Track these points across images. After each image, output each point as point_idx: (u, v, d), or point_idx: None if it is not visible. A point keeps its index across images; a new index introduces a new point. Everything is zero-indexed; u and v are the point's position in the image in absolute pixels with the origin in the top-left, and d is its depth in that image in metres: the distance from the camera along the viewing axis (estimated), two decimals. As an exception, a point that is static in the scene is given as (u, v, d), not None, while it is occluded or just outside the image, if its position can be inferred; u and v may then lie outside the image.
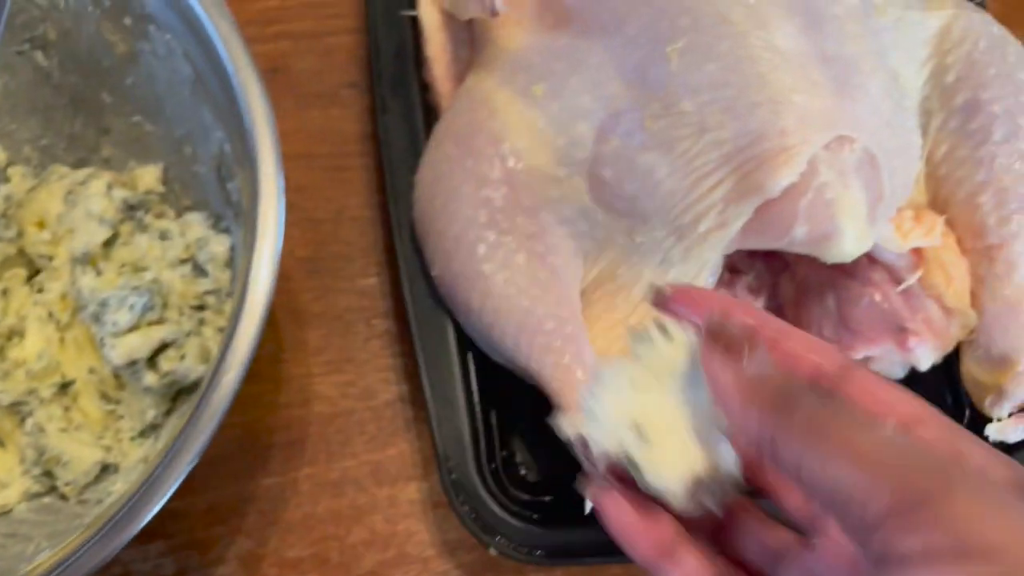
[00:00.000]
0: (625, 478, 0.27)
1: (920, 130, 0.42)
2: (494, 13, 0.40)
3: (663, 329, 0.27)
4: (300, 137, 0.52)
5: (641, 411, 0.27)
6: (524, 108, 0.41)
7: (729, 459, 0.26)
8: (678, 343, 0.27)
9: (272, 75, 0.52)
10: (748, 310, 0.29)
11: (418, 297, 0.43)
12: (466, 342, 0.43)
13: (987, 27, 0.43)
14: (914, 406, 0.26)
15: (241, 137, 0.34)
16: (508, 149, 0.40)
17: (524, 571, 0.47)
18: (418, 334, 0.43)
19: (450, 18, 0.46)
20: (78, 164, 0.46)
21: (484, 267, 0.40)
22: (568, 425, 0.28)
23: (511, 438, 0.47)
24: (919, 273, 0.40)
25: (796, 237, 0.36)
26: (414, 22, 0.47)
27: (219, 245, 0.44)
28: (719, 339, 0.25)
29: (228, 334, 0.32)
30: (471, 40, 0.46)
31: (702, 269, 0.39)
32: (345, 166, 0.51)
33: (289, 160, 0.51)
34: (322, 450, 0.47)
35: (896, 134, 0.39)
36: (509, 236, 0.40)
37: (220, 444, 0.47)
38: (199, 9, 0.36)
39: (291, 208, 0.50)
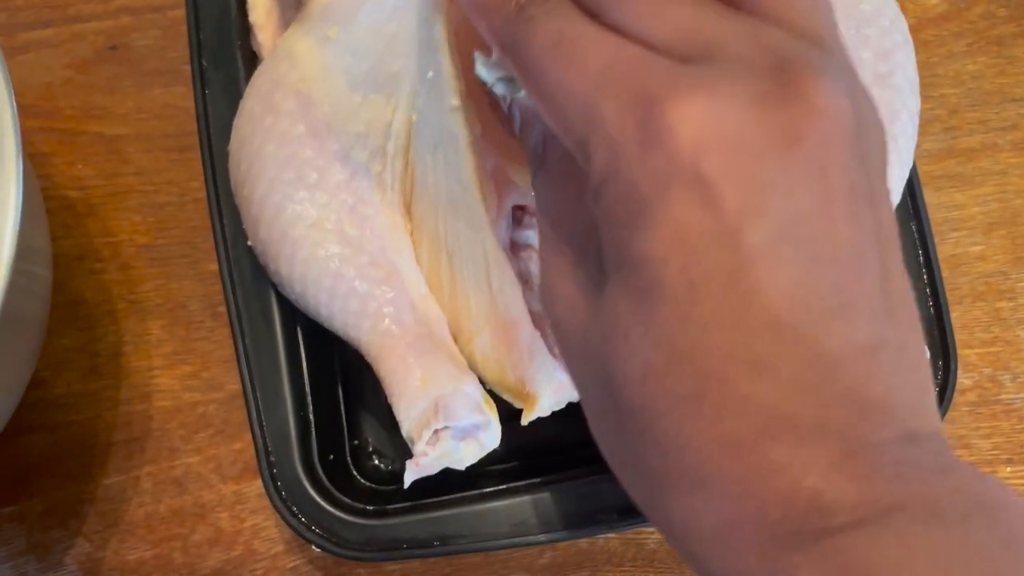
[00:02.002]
0: None
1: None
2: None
3: None
4: (142, 117, 0.49)
5: None
6: (321, 54, 0.38)
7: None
8: None
9: (112, 52, 0.50)
10: None
11: (238, 283, 0.40)
12: (295, 326, 0.41)
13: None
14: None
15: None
16: (309, 98, 0.37)
17: (380, 567, 0.44)
18: (238, 324, 0.40)
19: (275, -19, 0.43)
20: None
21: (291, 231, 0.37)
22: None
23: (363, 425, 0.44)
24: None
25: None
26: (237, -12, 0.44)
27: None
28: None
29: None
30: (298, 3, 0.43)
31: None
32: (188, 146, 0.48)
33: (129, 142, 0.49)
34: (164, 446, 0.45)
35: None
36: (319, 191, 0.37)
37: (56, 444, 0.45)
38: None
39: (131, 193, 0.48)
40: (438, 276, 0.37)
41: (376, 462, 0.44)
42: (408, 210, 0.38)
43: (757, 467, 0.20)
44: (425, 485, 0.38)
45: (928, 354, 0.25)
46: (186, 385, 0.46)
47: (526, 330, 0.35)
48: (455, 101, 0.33)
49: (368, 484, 0.43)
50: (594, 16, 0.23)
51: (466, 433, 0.36)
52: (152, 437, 0.45)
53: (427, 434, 0.35)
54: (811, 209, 0.21)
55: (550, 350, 0.35)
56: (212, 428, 0.45)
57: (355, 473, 0.43)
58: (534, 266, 0.38)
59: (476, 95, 0.34)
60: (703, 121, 0.21)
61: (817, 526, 0.20)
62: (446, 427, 0.35)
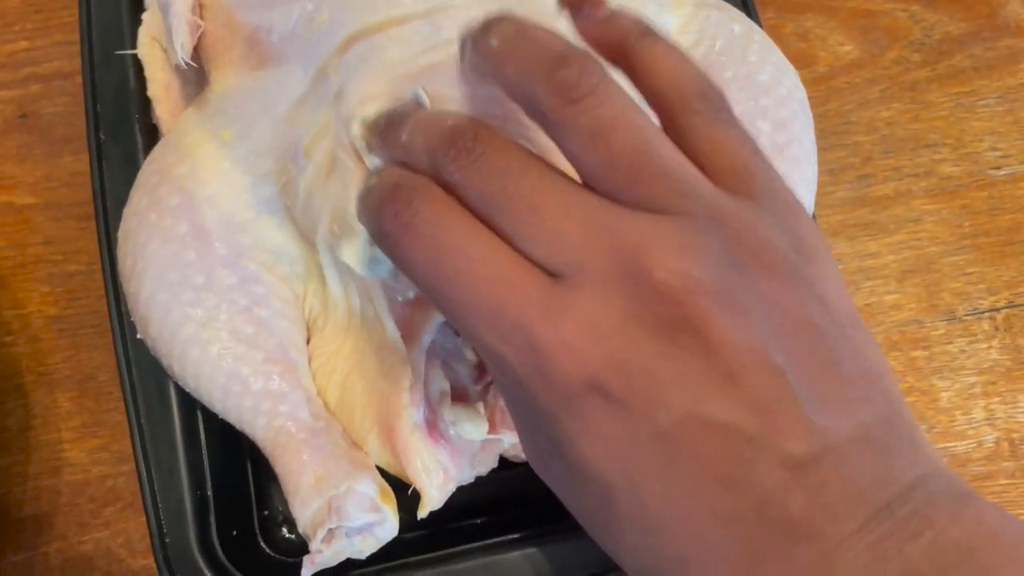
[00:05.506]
0: None
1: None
2: (179, 63, 0.38)
3: None
4: (51, 186, 0.49)
5: None
6: (214, 151, 0.38)
7: None
8: None
9: (22, 121, 0.50)
10: None
11: (134, 362, 0.40)
12: (195, 401, 0.40)
13: (727, 25, 0.39)
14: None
15: None
16: (193, 198, 0.37)
17: (292, 636, 0.44)
18: (133, 403, 0.40)
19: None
20: None
21: (181, 331, 0.37)
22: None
23: (273, 494, 0.44)
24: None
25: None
26: (136, 60, 0.44)
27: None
28: None
29: None
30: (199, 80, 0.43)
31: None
32: (97, 214, 0.48)
33: (38, 211, 0.49)
34: (74, 521, 0.45)
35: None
36: (207, 293, 0.37)
37: (-36, 523, 0.45)
38: None
39: (40, 263, 0.48)
40: (327, 385, 0.38)
41: (285, 532, 0.44)
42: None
43: None
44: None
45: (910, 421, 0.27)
46: (96, 458, 0.45)
47: (405, 429, 0.35)
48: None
49: (277, 557, 0.43)
50: (482, 219, 0.25)
51: (361, 530, 0.36)
52: (61, 512, 0.45)
53: (321, 533, 0.35)
54: (705, 374, 0.23)
55: (432, 440, 0.35)
56: (122, 502, 0.45)
57: (263, 546, 0.43)
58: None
59: None
60: (581, 348, 0.23)
61: None
62: (340, 526, 0.35)
